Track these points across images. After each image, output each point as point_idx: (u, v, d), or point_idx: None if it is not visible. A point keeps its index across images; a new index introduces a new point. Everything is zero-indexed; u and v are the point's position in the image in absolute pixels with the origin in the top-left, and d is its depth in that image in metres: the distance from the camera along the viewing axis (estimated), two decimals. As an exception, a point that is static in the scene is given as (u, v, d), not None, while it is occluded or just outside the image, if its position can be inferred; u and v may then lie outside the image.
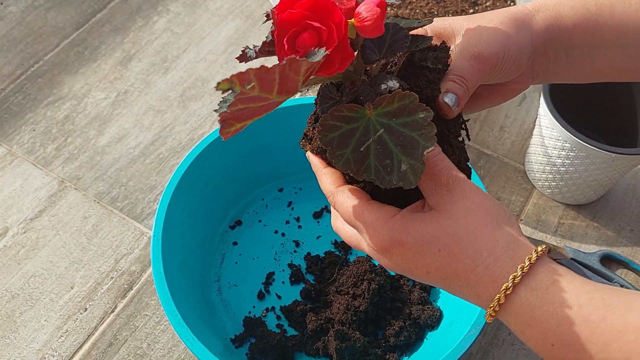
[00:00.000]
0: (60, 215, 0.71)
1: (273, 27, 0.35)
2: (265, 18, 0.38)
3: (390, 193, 0.41)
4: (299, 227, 0.69)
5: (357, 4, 0.37)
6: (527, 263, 0.35)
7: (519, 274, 0.35)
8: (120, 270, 0.67)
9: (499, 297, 0.35)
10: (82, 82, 0.83)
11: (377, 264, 0.64)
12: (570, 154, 0.65)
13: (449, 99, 0.40)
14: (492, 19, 0.43)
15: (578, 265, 0.67)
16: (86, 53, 0.86)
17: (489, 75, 0.42)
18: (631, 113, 0.71)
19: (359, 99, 0.37)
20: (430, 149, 0.35)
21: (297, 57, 0.31)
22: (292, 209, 0.71)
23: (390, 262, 0.39)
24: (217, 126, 0.79)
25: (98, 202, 0.72)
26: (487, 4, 0.82)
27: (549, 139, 0.67)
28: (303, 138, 0.43)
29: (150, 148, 0.77)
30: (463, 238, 0.36)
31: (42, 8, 0.90)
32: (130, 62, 0.85)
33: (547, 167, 0.70)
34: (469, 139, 0.45)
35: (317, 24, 0.33)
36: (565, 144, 0.64)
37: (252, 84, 0.31)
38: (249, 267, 0.67)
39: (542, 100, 0.66)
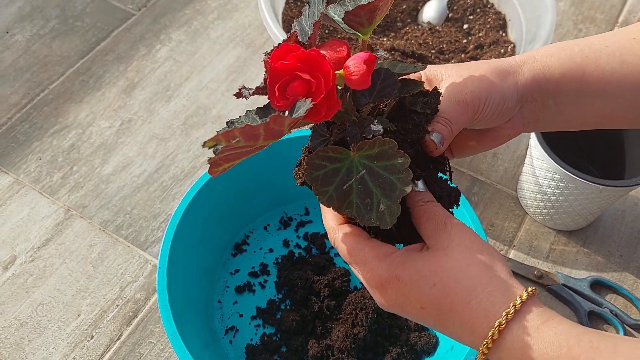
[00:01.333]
0: (66, 243, 0.73)
1: (266, 75, 0.37)
2: (264, 56, 0.40)
3: (389, 237, 0.43)
4: (300, 253, 0.72)
5: (349, 54, 0.39)
6: (518, 301, 0.37)
7: (512, 310, 0.37)
8: (126, 298, 0.69)
9: (493, 332, 0.37)
10: (87, 110, 0.85)
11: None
12: (560, 184, 0.67)
13: (435, 137, 0.42)
14: (479, 67, 0.45)
15: (569, 291, 0.69)
16: (91, 82, 0.88)
17: (473, 119, 0.45)
18: (619, 143, 0.73)
19: (345, 139, 0.40)
20: (406, 192, 0.38)
21: (281, 114, 0.34)
22: (294, 235, 0.73)
23: (385, 299, 0.41)
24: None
25: (103, 230, 0.74)
26: (480, 34, 0.85)
27: (539, 170, 0.69)
28: (297, 166, 0.46)
29: (154, 176, 0.79)
30: (459, 273, 0.38)
31: (47, 37, 0.93)
32: (133, 90, 0.87)
33: (538, 195, 0.72)
34: (451, 182, 0.47)
35: (306, 76, 0.36)
36: (555, 175, 0.67)
37: (237, 138, 0.34)
38: (251, 294, 0.69)
39: (532, 132, 0.69)
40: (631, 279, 0.72)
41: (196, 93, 0.87)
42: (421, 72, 0.47)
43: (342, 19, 0.40)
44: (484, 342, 0.37)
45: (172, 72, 0.89)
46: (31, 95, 0.86)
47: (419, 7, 0.89)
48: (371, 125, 0.39)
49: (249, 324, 0.67)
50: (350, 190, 0.38)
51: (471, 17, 0.87)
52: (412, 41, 0.83)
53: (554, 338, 0.36)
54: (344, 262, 0.71)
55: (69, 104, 0.85)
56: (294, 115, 0.36)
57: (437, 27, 0.85)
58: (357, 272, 0.43)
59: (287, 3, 0.85)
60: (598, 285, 0.71)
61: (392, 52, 0.79)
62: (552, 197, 0.70)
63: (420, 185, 0.42)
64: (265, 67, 0.37)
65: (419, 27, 0.86)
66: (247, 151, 0.37)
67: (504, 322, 0.37)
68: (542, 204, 0.72)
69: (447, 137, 0.43)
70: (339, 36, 0.82)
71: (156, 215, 0.75)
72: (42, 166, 0.79)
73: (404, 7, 0.89)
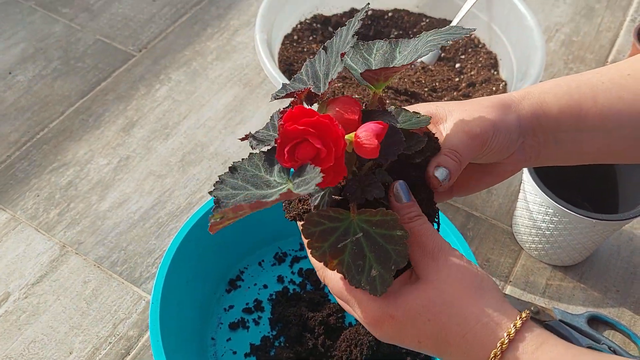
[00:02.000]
0: (61, 280, 0.73)
1: (277, 136, 0.37)
2: (272, 98, 0.40)
3: None
4: (295, 289, 0.71)
5: (360, 118, 0.39)
6: (512, 329, 0.37)
7: (506, 340, 0.37)
8: (118, 335, 0.68)
9: None
10: (86, 148, 0.86)
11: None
12: (554, 219, 0.68)
13: (439, 173, 0.42)
14: (481, 102, 0.46)
15: (566, 327, 0.69)
16: (90, 120, 0.89)
17: (481, 152, 0.45)
18: (612, 177, 0.74)
19: (345, 194, 0.40)
20: (401, 266, 0.38)
21: (291, 190, 0.34)
22: (289, 271, 0.73)
23: (382, 334, 0.41)
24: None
25: (98, 267, 0.74)
26: (472, 73, 0.87)
27: (533, 204, 0.70)
28: (290, 204, 0.45)
29: (150, 212, 0.79)
30: (451, 306, 0.39)
31: (49, 77, 0.95)
32: (132, 128, 0.89)
33: (533, 230, 0.72)
34: (438, 226, 0.47)
35: (318, 144, 0.36)
36: (549, 210, 0.67)
37: (245, 211, 0.35)
38: (245, 330, 0.68)
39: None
40: (629, 315, 0.71)
41: (194, 131, 0.89)
42: (421, 111, 0.47)
43: (361, 74, 0.41)
44: None
45: (170, 111, 0.91)
46: (31, 134, 0.87)
47: (412, 48, 0.91)
48: (374, 188, 0.39)
49: (243, 361, 0.66)
50: (344, 249, 0.38)
51: (463, 56, 0.89)
52: (406, 79, 0.85)
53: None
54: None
55: (68, 142, 0.87)
56: (299, 190, 0.35)
57: (430, 66, 0.87)
58: (349, 310, 0.43)
59: (282, 44, 0.87)
60: (595, 321, 0.70)
61: (386, 90, 0.81)
62: (547, 232, 0.70)
63: (402, 189, 0.41)
64: (278, 130, 0.37)
65: (412, 66, 0.88)
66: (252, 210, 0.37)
67: (499, 352, 0.37)
68: (537, 239, 0.72)
69: (455, 172, 0.43)
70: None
71: (151, 252, 0.75)
72: (39, 203, 0.80)
73: (398, 47, 0.91)
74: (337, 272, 0.39)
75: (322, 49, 0.41)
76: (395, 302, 0.40)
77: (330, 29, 0.92)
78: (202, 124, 0.90)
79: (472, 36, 0.92)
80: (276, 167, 0.38)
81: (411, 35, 0.93)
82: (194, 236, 0.65)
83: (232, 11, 1.06)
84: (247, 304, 0.70)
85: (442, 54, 0.90)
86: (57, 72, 0.95)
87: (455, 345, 0.39)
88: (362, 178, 0.40)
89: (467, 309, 0.38)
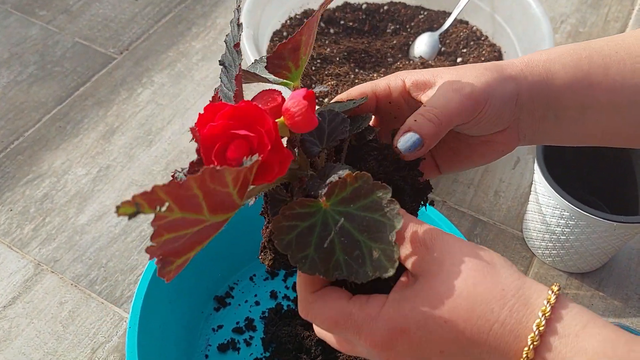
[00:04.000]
0: (35, 301, 0.67)
1: (198, 146, 0.31)
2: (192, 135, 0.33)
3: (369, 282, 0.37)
4: (289, 305, 0.65)
5: (283, 101, 0.34)
6: (547, 307, 0.31)
7: (543, 321, 0.31)
8: (97, 361, 0.62)
9: (527, 352, 0.31)
10: (63, 157, 0.80)
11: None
12: (570, 222, 0.62)
13: (402, 142, 0.37)
14: (475, 65, 0.41)
15: (586, 341, 0.63)
16: (68, 128, 0.84)
17: (472, 116, 0.39)
18: (630, 176, 0.68)
19: (310, 195, 0.34)
20: (398, 228, 0.32)
21: (217, 167, 0.27)
22: (282, 285, 0.67)
23: (397, 355, 0.34)
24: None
25: (75, 286, 0.68)
26: (475, 67, 0.81)
27: (546, 207, 0.64)
28: (261, 252, 0.40)
29: (132, 225, 0.74)
30: (467, 298, 0.32)
31: (25, 83, 0.89)
32: (113, 135, 0.83)
33: (546, 235, 0.66)
34: (425, 208, 0.41)
35: (243, 132, 0.30)
36: (564, 213, 0.62)
37: (167, 204, 0.26)
38: (235, 352, 0.62)
39: (536, 167, 0.64)
40: (654, 325, 0.65)
41: (179, 137, 0.83)
42: (406, 79, 0.42)
43: (266, 67, 0.36)
44: None
45: (153, 116, 0.85)
46: (5, 144, 0.82)
47: (410, 42, 0.86)
48: (336, 171, 0.34)
49: (233, 387, 0.60)
50: (333, 247, 0.32)
51: (464, 50, 0.84)
52: (404, 76, 0.79)
53: (598, 348, 0.30)
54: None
55: (44, 152, 0.81)
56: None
57: (430, 62, 0.82)
58: (352, 345, 0.36)
59: (271, 40, 0.82)
60: (618, 333, 0.65)
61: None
62: (562, 237, 0.64)
63: None
64: (194, 135, 0.31)
65: (411, 62, 0.83)
66: (199, 233, 0.29)
67: (537, 336, 0.31)
68: (551, 244, 0.67)
69: (430, 135, 0.37)
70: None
71: (133, 268, 0.70)
72: (13, 218, 0.74)
73: (395, 42, 0.85)
74: (339, 277, 0.33)
75: (220, 64, 0.37)
76: (403, 313, 0.33)
77: (322, 24, 0.87)
78: (188, 128, 0.84)
79: (474, 28, 0.86)
80: None
81: (409, 30, 0.88)
82: (176, 251, 0.59)
83: (218, 9, 1.00)
84: (237, 323, 0.64)
85: (442, 48, 0.84)
86: (33, 77, 0.90)
87: (484, 344, 0.32)
88: (321, 172, 0.35)
89: (486, 296, 0.32)
